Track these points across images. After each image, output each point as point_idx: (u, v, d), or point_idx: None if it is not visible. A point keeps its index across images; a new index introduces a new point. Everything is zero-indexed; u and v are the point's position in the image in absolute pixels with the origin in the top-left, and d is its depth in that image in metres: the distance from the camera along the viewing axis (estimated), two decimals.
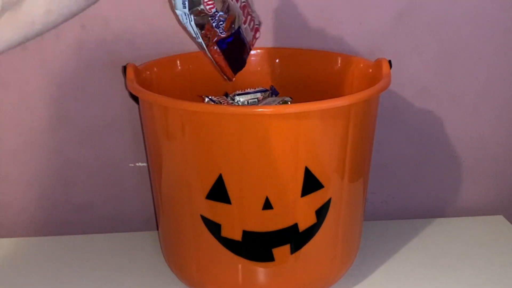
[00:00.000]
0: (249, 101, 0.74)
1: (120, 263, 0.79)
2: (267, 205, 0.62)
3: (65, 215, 0.87)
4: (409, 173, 0.91)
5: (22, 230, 0.87)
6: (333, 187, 0.65)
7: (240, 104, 0.74)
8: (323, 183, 0.63)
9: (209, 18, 0.58)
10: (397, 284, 0.74)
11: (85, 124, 0.83)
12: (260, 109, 0.62)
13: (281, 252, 0.65)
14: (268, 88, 0.78)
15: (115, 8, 0.77)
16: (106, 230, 0.87)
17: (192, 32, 0.59)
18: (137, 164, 0.86)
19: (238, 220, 0.64)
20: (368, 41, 0.82)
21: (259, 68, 0.81)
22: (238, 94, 0.75)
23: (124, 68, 0.69)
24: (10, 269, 0.78)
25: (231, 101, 0.74)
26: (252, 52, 0.78)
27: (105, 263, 0.79)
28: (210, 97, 0.73)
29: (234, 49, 0.63)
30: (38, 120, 0.82)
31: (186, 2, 0.56)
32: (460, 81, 0.86)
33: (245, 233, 0.64)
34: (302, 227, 0.64)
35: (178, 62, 0.78)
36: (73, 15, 0.48)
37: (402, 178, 0.91)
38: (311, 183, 0.62)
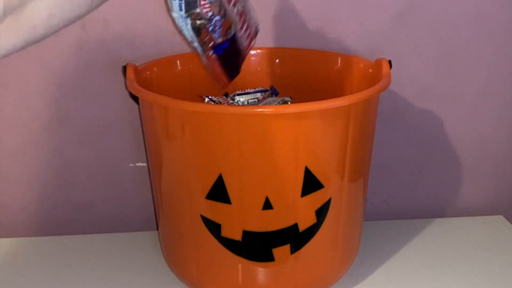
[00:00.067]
0: (249, 101, 0.75)
1: (120, 263, 0.79)
2: (267, 205, 0.62)
3: (65, 215, 0.87)
4: (409, 173, 0.91)
5: (22, 230, 0.87)
6: (333, 187, 0.65)
7: (240, 104, 0.74)
8: (323, 183, 0.63)
9: (206, 22, 0.58)
10: (397, 284, 0.74)
11: (85, 124, 0.83)
12: (260, 109, 0.62)
13: (281, 252, 0.65)
14: (268, 88, 0.78)
15: (115, 8, 0.77)
16: (106, 230, 0.87)
17: (188, 36, 0.59)
18: (137, 164, 0.86)
19: (238, 220, 0.64)
20: (368, 41, 0.82)
21: (259, 68, 0.81)
22: (238, 94, 0.75)
23: (124, 68, 0.69)
24: (10, 269, 0.78)
25: (231, 101, 0.74)
26: (252, 52, 0.78)
27: (105, 263, 0.79)
28: (210, 97, 0.73)
29: (229, 55, 0.62)
30: (38, 120, 0.82)
31: (183, 5, 0.56)
32: (460, 81, 0.86)
33: (245, 233, 0.64)
34: (302, 227, 0.64)
35: (178, 62, 0.78)
36: (76, 19, 0.48)
37: (402, 178, 0.91)
38: (311, 183, 0.62)
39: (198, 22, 0.57)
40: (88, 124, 0.83)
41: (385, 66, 0.70)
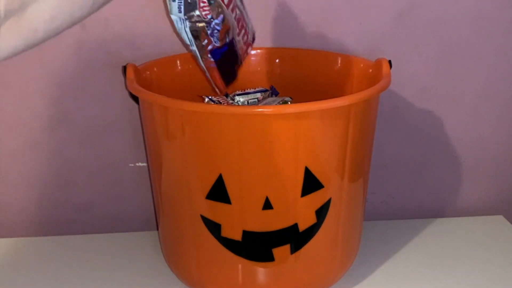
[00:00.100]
0: (249, 101, 0.75)
1: (120, 263, 0.79)
2: (267, 205, 0.62)
3: (65, 215, 0.87)
4: (409, 173, 0.91)
5: (22, 230, 0.87)
6: (333, 187, 0.65)
7: (240, 104, 0.74)
8: (323, 183, 0.63)
9: (205, 25, 0.57)
10: (397, 284, 0.74)
11: (85, 124, 0.83)
12: (260, 109, 0.62)
13: (281, 252, 0.65)
14: (268, 88, 0.78)
15: (115, 8, 0.77)
16: (106, 230, 0.87)
17: (186, 39, 0.58)
18: (137, 164, 0.86)
19: (238, 220, 0.64)
20: (368, 41, 0.82)
21: (259, 68, 0.81)
22: (238, 94, 0.75)
23: (124, 68, 0.69)
24: (10, 269, 0.78)
25: (231, 101, 0.74)
26: (252, 52, 0.78)
27: (105, 263, 0.79)
28: (210, 97, 0.73)
29: (227, 60, 0.62)
30: (38, 120, 0.82)
31: (182, 6, 0.56)
32: (460, 81, 0.86)
33: (245, 233, 0.64)
34: (302, 227, 0.64)
35: (178, 62, 0.78)
36: (77, 22, 0.48)
37: (402, 178, 0.91)
38: (311, 183, 0.62)
39: (196, 25, 0.57)
40: (88, 124, 0.83)
41: (385, 66, 0.70)
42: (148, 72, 0.73)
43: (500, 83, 0.87)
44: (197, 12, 0.56)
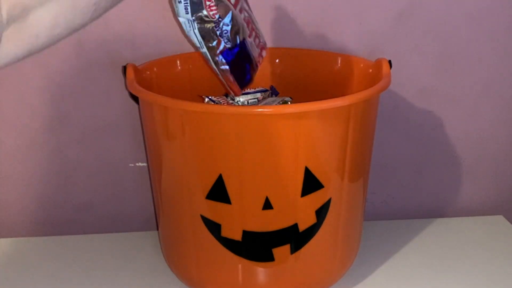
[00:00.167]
0: (249, 101, 0.74)
1: (120, 263, 0.79)
2: (267, 205, 0.62)
3: (65, 215, 0.87)
4: (409, 173, 0.91)
5: (22, 230, 0.87)
6: (333, 187, 0.65)
7: (240, 104, 0.74)
8: (323, 183, 0.63)
9: (213, 25, 0.57)
10: (397, 284, 0.74)
11: (85, 124, 0.83)
12: (260, 109, 0.62)
13: (281, 252, 0.65)
14: (268, 88, 0.78)
15: (115, 8, 0.77)
16: (106, 230, 0.87)
17: (196, 41, 0.58)
18: (137, 164, 0.86)
19: (238, 220, 0.64)
20: (368, 41, 0.82)
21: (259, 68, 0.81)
22: None
23: (124, 68, 0.69)
24: (10, 269, 0.78)
25: (231, 101, 0.74)
26: None
27: (105, 263, 0.79)
28: (210, 97, 0.73)
29: (240, 62, 0.61)
30: (38, 120, 0.82)
31: (189, 7, 0.55)
32: (460, 81, 0.86)
33: (245, 233, 0.64)
34: (302, 227, 0.64)
35: (178, 62, 0.78)
36: (79, 28, 0.48)
37: (402, 178, 0.91)
38: (311, 183, 0.62)
39: (205, 25, 0.56)
40: (88, 124, 0.83)
41: (385, 66, 0.70)
42: (148, 72, 0.73)
43: (500, 83, 0.87)
44: (205, 12, 0.56)
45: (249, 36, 0.64)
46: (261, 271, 0.67)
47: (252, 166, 0.61)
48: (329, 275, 0.71)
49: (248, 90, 0.76)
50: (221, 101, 0.72)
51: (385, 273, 0.76)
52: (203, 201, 0.63)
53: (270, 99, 0.75)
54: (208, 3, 0.56)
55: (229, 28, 0.58)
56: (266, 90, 0.77)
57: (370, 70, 0.73)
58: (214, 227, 0.64)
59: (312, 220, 0.65)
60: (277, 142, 0.60)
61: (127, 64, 0.69)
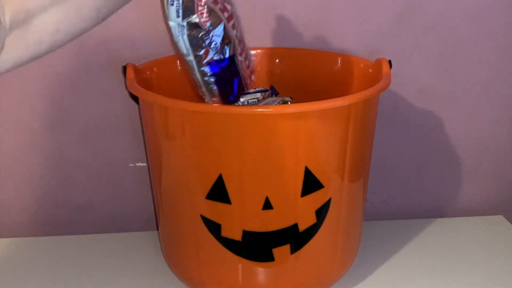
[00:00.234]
0: (249, 101, 0.74)
1: (120, 263, 0.79)
2: (267, 205, 0.62)
3: (65, 215, 0.87)
4: (409, 173, 0.91)
5: (22, 230, 0.87)
6: (333, 187, 0.65)
7: (240, 104, 0.74)
8: (323, 183, 0.63)
9: (203, 34, 0.56)
10: (397, 284, 0.74)
11: (85, 124, 0.83)
12: (260, 109, 0.62)
13: (281, 252, 0.65)
14: (268, 88, 0.78)
15: None
16: (106, 230, 0.87)
17: (184, 48, 0.57)
18: (137, 164, 0.86)
19: (238, 220, 0.64)
20: (368, 41, 0.82)
21: (259, 68, 0.81)
22: None
23: (124, 68, 0.69)
24: (10, 269, 0.78)
25: None
26: (252, 52, 0.78)
27: (105, 263, 0.79)
28: None
29: (227, 77, 0.60)
30: (38, 120, 0.82)
31: (180, 11, 0.55)
32: (460, 81, 0.86)
33: (245, 233, 0.64)
34: (302, 227, 0.64)
35: (178, 62, 0.78)
36: (81, 33, 0.48)
37: (402, 178, 0.91)
38: (311, 183, 0.62)
39: (195, 32, 0.56)
40: (88, 124, 0.83)
41: (385, 66, 0.70)
42: (148, 72, 0.73)
43: (500, 83, 0.87)
44: (195, 17, 0.55)
45: (240, 55, 0.63)
46: (261, 271, 0.67)
47: (252, 166, 0.61)
48: (329, 275, 0.71)
49: (248, 90, 0.76)
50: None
51: (385, 273, 0.76)
52: (203, 201, 0.63)
53: (270, 99, 0.75)
54: (200, 9, 0.55)
55: (219, 39, 0.57)
56: (266, 90, 0.77)
57: (370, 70, 0.73)
58: (214, 227, 0.64)
59: (312, 220, 0.65)
60: (277, 142, 0.60)
61: (127, 64, 0.69)
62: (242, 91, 0.66)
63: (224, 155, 0.61)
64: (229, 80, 0.61)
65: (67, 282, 0.75)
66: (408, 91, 0.85)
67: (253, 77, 0.69)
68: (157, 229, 0.81)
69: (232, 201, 0.62)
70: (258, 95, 0.75)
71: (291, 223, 0.64)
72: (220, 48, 0.58)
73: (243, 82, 0.65)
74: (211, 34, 0.57)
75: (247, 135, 0.60)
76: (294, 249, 0.66)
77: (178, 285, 0.74)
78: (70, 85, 0.81)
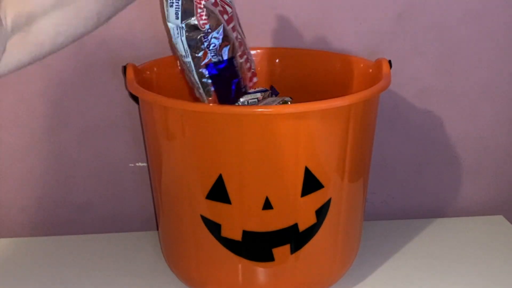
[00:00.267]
0: (249, 101, 0.74)
1: (120, 263, 0.79)
2: (267, 205, 0.62)
3: (65, 215, 0.87)
4: (409, 173, 0.91)
5: (22, 230, 0.87)
6: (333, 187, 0.65)
7: (240, 104, 0.74)
8: (323, 183, 0.63)
9: (202, 36, 0.56)
10: (397, 284, 0.74)
11: (85, 124, 0.83)
12: (260, 109, 0.62)
13: (281, 252, 0.65)
14: (268, 88, 0.78)
15: None
16: (106, 230, 0.87)
17: (182, 49, 0.57)
18: (137, 164, 0.86)
19: (238, 220, 0.64)
20: (368, 41, 0.82)
21: (259, 68, 0.81)
22: None
23: (124, 68, 0.69)
24: (10, 269, 0.78)
25: None
26: (252, 52, 0.78)
27: (105, 263, 0.79)
28: None
29: (225, 79, 0.60)
30: (38, 120, 0.82)
31: (179, 13, 0.55)
32: (460, 81, 0.86)
33: (245, 233, 0.64)
34: (302, 227, 0.64)
35: (178, 62, 0.78)
36: (82, 36, 0.48)
37: (402, 178, 0.91)
38: (311, 183, 0.62)
39: (193, 34, 0.56)
40: (88, 124, 0.83)
41: (385, 66, 0.70)
42: (148, 72, 0.73)
43: (500, 83, 0.87)
44: (195, 21, 0.55)
45: (240, 57, 0.63)
46: (261, 271, 0.67)
47: (252, 166, 0.61)
48: (329, 275, 0.71)
49: (248, 90, 0.76)
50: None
51: (385, 273, 0.76)
52: (203, 201, 0.63)
53: (270, 99, 0.75)
54: (199, 11, 0.55)
55: (218, 42, 0.57)
56: (266, 90, 0.77)
57: (370, 70, 0.73)
58: (214, 227, 0.64)
59: (312, 220, 0.65)
60: (277, 142, 0.60)
61: (127, 64, 0.69)
62: (241, 94, 0.66)
63: (224, 155, 0.61)
64: (227, 82, 0.61)
65: (67, 282, 0.75)
66: (408, 91, 0.85)
67: (254, 79, 0.68)
68: (157, 229, 0.81)
69: (232, 201, 0.62)
70: (258, 95, 0.75)
71: (291, 223, 0.64)
72: (219, 50, 0.58)
73: (242, 84, 0.65)
74: (209, 36, 0.57)
75: (247, 135, 0.60)
76: (294, 249, 0.66)
77: (178, 285, 0.74)
78: (70, 85, 0.81)
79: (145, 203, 0.87)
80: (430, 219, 0.90)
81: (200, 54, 0.57)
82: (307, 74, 0.80)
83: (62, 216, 0.87)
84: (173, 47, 0.59)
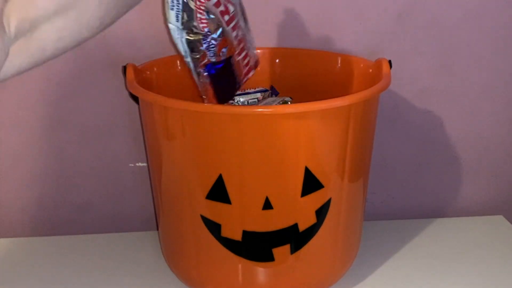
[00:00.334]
0: (249, 101, 0.74)
1: (120, 263, 0.79)
2: (267, 205, 0.62)
3: (65, 215, 0.87)
4: (409, 173, 0.91)
5: (22, 230, 0.87)
6: (333, 187, 0.65)
7: (240, 104, 0.74)
8: (323, 183, 0.63)
9: (201, 38, 0.57)
10: (397, 284, 0.74)
11: (85, 124, 0.83)
12: (260, 109, 0.62)
13: (281, 252, 0.65)
14: (268, 88, 0.78)
15: None
16: (106, 230, 0.87)
17: (182, 50, 0.58)
18: (137, 164, 0.86)
19: (238, 220, 0.64)
20: (368, 41, 0.82)
21: (259, 68, 0.80)
22: (238, 94, 0.75)
23: (124, 68, 0.69)
24: (10, 269, 0.78)
25: (231, 101, 0.74)
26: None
27: (105, 263, 0.79)
28: None
29: (223, 77, 0.61)
30: (38, 120, 0.82)
31: (179, 16, 0.55)
32: (460, 81, 0.86)
33: (245, 233, 0.64)
34: (302, 227, 0.64)
35: (178, 62, 0.78)
36: (84, 41, 0.49)
37: (402, 178, 0.91)
38: (311, 183, 0.62)
39: (193, 36, 0.56)
40: (88, 124, 0.83)
41: (385, 66, 0.70)
42: (148, 72, 0.73)
43: (500, 83, 0.87)
44: (195, 23, 0.56)
45: (238, 54, 0.63)
46: (261, 271, 0.67)
47: (252, 166, 0.61)
48: (329, 275, 0.71)
49: (248, 90, 0.76)
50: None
51: (385, 273, 0.76)
52: (203, 201, 0.63)
53: (270, 99, 0.75)
54: (199, 15, 0.56)
55: (216, 43, 0.58)
56: (266, 90, 0.77)
57: (370, 70, 0.73)
58: (214, 227, 0.64)
59: (312, 220, 0.65)
60: (277, 142, 0.60)
61: (127, 64, 0.69)
62: (235, 91, 0.66)
63: (224, 155, 0.61)
64: (223, 82, 0.62)
65: (67, 282, 0.75)
66: (408, 91, 0.85)
67: (251, 74, 0.69)
68: (157, 229, 0.81)
69: (232, 201, 0.62)
70: (258, 95, 0.75)
71: (291, 223, 0.64)
72: (218, 51, 0.59)
73: (237, 81, 0.65)
74: (208, 38, 0.57)
75: (247, 135, 0.60)
76: (294, 249, 0.66)
77: (178, 285, 0.74)
78: (70, 85, 0.81)
79: (145, 203, 0.87)
80: (430, 219, 0.90)
81: (199, 55, 0.58)
82: (307, 74, 0.80)
83: (62, 216, 0.87)
84: (174, 45, 0.60)
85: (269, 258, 0.66)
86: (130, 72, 0.68)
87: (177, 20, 0.55)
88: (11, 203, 0.86)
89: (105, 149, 0.84)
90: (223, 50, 0.59)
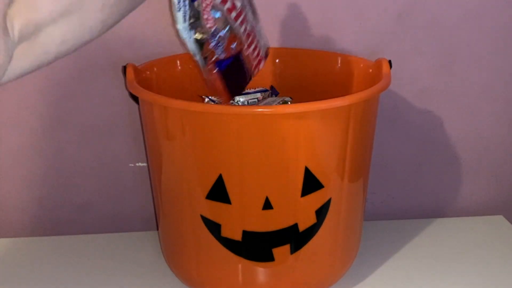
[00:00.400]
0: (249, 101, 0.74)
1: (120, 263, 0.79)
2: (267, 205, 0.62)
3: (65, 215, 0.87)
4: (409, 173, 0.91)
5: (22, 230, 0.87)
6: (333, 187, 0.65)
7: (240, 104, 0.74)
8: (323, 183, 0.63)
9: (209, 37, 0.57)
10: (397, 284, 0.74)
11: (85, 124, 0.83)
12: (260, 109, 0.62)
13: (281, 252, 0.65)
14: (268, 88, 0.78)
15: None
16: (106, 230, 0.87)
17: (191, 49, 0.58)
18: (137, 164, 0.86)
19: (238, 220, 0.64)
20: (368, 41, 0.82)
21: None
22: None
23: (124, 68, 0.69)
24: (10, 269, 0.78)
25: (231, 101, 0.74)
26: None
27: (105, 263, 0.79)
28: (210, 97, 0.73)
29: (232, 72, 0.62)
30: (38, 120, 0.82)
31: (187, 16, 0.56)
32: (460, 81, 0.86)
33: (245, 233, 0.64)
34: (302, 227, 0.64)
35: (178, 62, 0.78)
36: (86, 43, 0.49)
37: (402, 178, 0.91)
38: (311, 183, 0.62)
39: (201, 36, 0.57)
40: (88, 124, 0.83)
41: (385, 66, 0.70)
42: (148, 72, 0.73)
43: (500, 83, 0.87)
44: (202, 23, 0.56)
45: (247, 48, 0.64)
46: (261, 271, 0.67)
47: (252, 166, 0.61)
48: (329, 275, 0.71)
49: (248, 90, 0.76)
50: (221, 101, 0.72)
51: (385, 273, 0.76)
52: (203, 201, 0.63)
53: (270, 99, 0.75)
54: (205, 16, 0.56)
55: (224, 40, 0.58)
56: (266, 90, 0.77)
57: (370, 70, 0.73)
58: (214, 227, 0.64)
59: (312, 220, 0.65)
60: (277, 142, 0.60)
61: (127, 64, 0.69)
62: (246, 84, 0.67)
63: (224, 155, 0.61)
64: (234, 76, 0.62)
65: (67, 282, 0.75)
66: (408, 91, 0.85)
67: (261, 65, 0.69)
68: (157, 229, 0.81)
69: (232, 201, 0.62)
70: (258, 95, 0.75)
71: (291, 223, 0.64)
72: (226, 47, 0.59)
73: (247, 75, 0.66)
74: (216, 37, 0.58)
75: (247, 135, 0.60)
76: (294, 249, 0.66)
77: (178, 285, 0.74)
78: (70, 85, 0.81)
79: (145, 203, 0.87)
80: (430, 219, 0.90)
81: (208, 53, 0.59)
82: (307, 74, 0.80)
83: (62, 216, 0.87)
84: (183, 45, 0.60)
85: (269, 258, 0.66)
86: (130, 72, 0.68)
87: (185, 21, 0.56)
88: (11, 203, 0.86)
89: (105, 149, 0.84)
90: (232, 46, 0.60)
